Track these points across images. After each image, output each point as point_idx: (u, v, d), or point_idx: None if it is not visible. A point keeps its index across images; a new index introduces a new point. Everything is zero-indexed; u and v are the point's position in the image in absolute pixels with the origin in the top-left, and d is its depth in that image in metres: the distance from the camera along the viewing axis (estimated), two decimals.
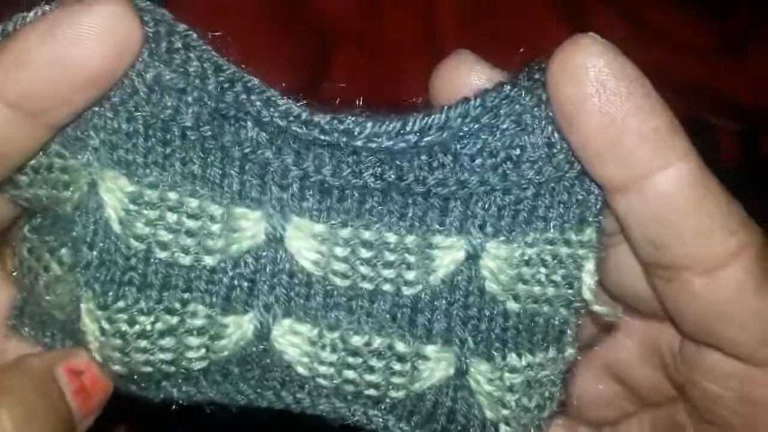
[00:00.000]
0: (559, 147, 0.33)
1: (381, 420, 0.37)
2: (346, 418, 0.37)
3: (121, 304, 0.35)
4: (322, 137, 0.33)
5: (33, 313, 0.39)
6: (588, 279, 0.35)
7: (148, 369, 0.37)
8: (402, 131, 0.33)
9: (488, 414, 0.37)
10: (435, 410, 0.37)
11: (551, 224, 0.34)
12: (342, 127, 0.33)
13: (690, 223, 0.32)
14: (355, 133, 0.33)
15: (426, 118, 0.33)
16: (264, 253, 0.35)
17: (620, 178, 0.32)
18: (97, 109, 0.34)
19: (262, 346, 0.36)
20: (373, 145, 0.33)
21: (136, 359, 0.36)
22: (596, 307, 0.36)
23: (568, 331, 0.37)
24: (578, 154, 0.32)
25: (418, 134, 0.33)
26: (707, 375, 0.36)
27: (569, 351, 0.37)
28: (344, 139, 0.33)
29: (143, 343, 0.36)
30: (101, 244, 0.35)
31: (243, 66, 0.34)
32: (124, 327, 0.35)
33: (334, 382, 0.36)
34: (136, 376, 0.37)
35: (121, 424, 0.63)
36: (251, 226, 0.35)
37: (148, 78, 0.33)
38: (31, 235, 0.38)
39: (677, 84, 0.85)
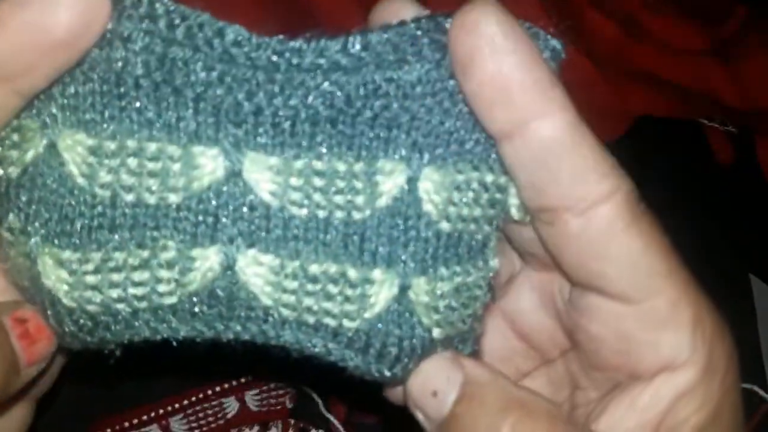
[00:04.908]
0: None
1: (339, 353, 0.39)
2: (307, 350, 0.39)
3: (93, 245, 0.37)
4: (275, 58, 0.35)
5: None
6: (515, 200, 0.39)
7: (122, 306, 0.38)
8: (346, 44, 0.36)
9: (424, 321, 0.39)
10: (386, 340, 0.39)
11: (478, 155, 0.38)
12: (291, 45, 0.35)
13: (566, 165, 0.36)
14: (304, 50, 0.35)
15: (367, 34, 0.36)
16: (224, 189, 0.37)
17: (507, 124, 0.35)
18: None
19: (228, 278, 0.38)
20: (322, 61, 0.36)
21: (109, 295, 0.38)
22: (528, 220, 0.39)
23: (491, 244, 0.40)
24: (472, 103, 0.36)
25: (361, 47, 0.36)
26: (590, 318, 0.39)
27: (492, 261, 0.40)
28: (295, 60, 0.35)
29: (116, 277, 0.37)
30: (62, 201, 0.37)
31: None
32: (99, 264, 0.37)
33: (296, 311, 0.38)
34: (108, 317, 0.38)
35: None
36: (209, 162, 0.37)
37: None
38: None
39: (670, 86, 0.86)
